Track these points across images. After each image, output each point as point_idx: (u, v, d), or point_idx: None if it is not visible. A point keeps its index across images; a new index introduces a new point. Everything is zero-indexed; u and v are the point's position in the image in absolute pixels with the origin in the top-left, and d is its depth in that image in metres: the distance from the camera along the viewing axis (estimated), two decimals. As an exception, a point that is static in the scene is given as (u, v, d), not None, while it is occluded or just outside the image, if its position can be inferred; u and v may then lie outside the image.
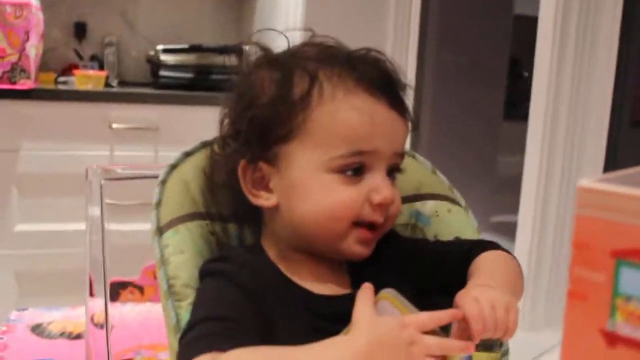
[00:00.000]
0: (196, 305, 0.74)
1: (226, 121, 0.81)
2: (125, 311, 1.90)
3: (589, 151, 1.92)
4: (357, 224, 0.76)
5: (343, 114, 0.74)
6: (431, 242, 0.90)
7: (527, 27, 2.32)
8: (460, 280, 0.78)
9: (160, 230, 0.80)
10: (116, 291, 1.91)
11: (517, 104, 2.95)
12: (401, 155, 0.79)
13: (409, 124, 0.80)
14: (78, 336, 1.89)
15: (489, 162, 2.79)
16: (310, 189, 0.75)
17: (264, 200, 0.79)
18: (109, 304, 1.22)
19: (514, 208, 2.08)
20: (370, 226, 0.77)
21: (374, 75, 0.76)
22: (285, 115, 0.75)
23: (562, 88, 1.89)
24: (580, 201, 0.39)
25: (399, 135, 0.78)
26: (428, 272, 0.84)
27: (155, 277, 2.05)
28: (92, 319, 1.35)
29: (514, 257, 0.83)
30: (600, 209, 0.38)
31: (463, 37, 2.78)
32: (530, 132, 1.94)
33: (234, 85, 0.81)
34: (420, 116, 0.82)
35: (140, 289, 1.97)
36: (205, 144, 0.87)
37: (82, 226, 1.23)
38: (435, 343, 0.64)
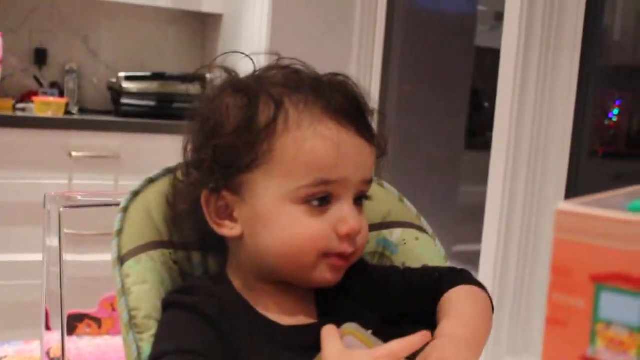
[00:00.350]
0: (160, 338, 0.72)
1: (189, 147, 0.79)
2: (82, 345, 1.84)
3: (550, 180, 1.95)
4: (326, 254, 0.75)
5: (309, 143, 0.72)
6: (400, 271, 0.89)
7: (488, 59, 2.35)
8: (428, 310, 0.77)
9: (121, 260, 0.78)
10: (73, 324, 1.85)
11: (478, 134, 2.99)
12: (369, 182, 0.78)
13: (376, 150, 0.79)
14: (33, 371, 1.82)
15: (451, 192, 2.81)
16: (276, 220, 0.73)
17: (228, 229, 0.77)
18: (66, 338, 1.18)
19: (476, 237, 2.09)
20: (340, 255, 0.75)
21: (341, 102, 0.74)
22: (250, 143, 0.73)
23: (524, 119, 1.92)
24: (559, 225, 0.38)
25: (366, 162, 0.77)
26: (396, 301, 0.83)
27: (113, 309, 2.01)
28: (47, 354, 1.30)
29: (484, 289, 0.82)
30: (580, 233, 0.37)
31: (426, 67, 2.81)
32: (493, 161, 1.96)
33: (198, 110, 0.79)
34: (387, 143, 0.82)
35: (98, 322, 1.92)
36: (169, 171, 0.85)
37: (38, 257, 1.19)
38: None
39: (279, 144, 0.72)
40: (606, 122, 2.69)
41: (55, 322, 1.19)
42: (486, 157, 2.05)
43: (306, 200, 0.73)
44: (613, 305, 0.36)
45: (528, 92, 1.91)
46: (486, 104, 3.12)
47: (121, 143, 2.34)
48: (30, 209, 2.00)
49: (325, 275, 0.76)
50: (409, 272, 0.89)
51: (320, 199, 0.73)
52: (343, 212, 0.74)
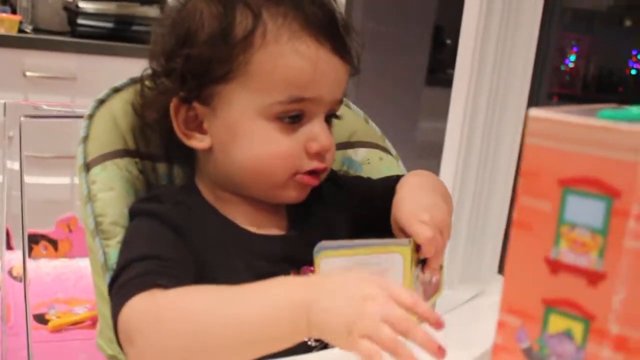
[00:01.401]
0: (126, 246, 0.72)
1: (158, 52, 0.76)
2: (39, 266, 1.83)
3: (509, 120, 1.98)
4: (295, 172, 0.75)
5: (286, 60, 0.71)
6: (365, 178, 0.91)
7: (453, -5, 2.34)
8: (387, 211, 0.77)
9: (87, 166, 0.77)
10: (29, 246, 1.84)
11: (438, 71, 2.99)
12: (340, 101, 0.78)
13: (350, 69, 0.78)
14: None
15: (411, 127, 2.83)
16: (246, 135, 0.73)
17: (196, 141, 0.76)
18: (27, 257, 1.17)
19: (433, 173, 2.12)
20: (310, 172, 0.76)
21: (320, 18, 0.73)
22: (225, 55, 0.71)
23: (486, 57, 1.93)
24: (530, 130, 0.39)
25: (341, 81, 0.76)
26: (363, 202, 0.85)
27: (70, 230, 1.98)
28: (10, 272, 1.30)
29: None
30: (550, 139, 0.39)
31: (389, 4, 2.79)
32: (454, 98, 1.98)
33: (168, 13, 0.77)
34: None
35: (54, 244, 1.91)
36: (134, 81, 0.83)
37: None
38: (400, 317, 0.52)
39: (255, 57, 0.71)
40: (562, 67, 2.72)
41: (16, 242, 1.18)
42: (445, 94, 2.06)
43: (278, 117, 0.72)
44: (578, 208, 0.38)
45: (491, 31, 1.91)
46: (448, 41, 3.12)
47: (77, 64, 2.28)
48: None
49: (292, 193, 0.76)
50: (372, 179, 0.91)
51: (293, 117, 0.73)
52: (314, 130, 0.74)
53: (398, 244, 0.68)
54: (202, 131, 0.76)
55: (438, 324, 0.53)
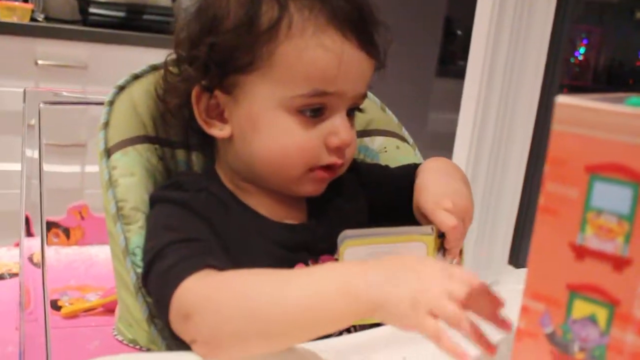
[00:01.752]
0: (155, 232, 0.71)
1: (183, 38, 0.76)
2: (51, 254, 1.84)
3: (521, 111, 1.98)
4: (313, 168, 0.74)
5: (311, 53, 0.70)
6: (383, 165, 0.91)
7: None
8: (406, 197, 0.77)
9: (108, 152, 0.77)
10: (41, 233, 1.85)
11: (449, 62, 2.98)
12: (364, 96, 0.77)
13: (375, 63, 0.76)
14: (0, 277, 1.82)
15: (421, 119, 2.82)
16: (266, 127, 0.73)
17: (217, 130, 0.76)
18: (45, 244, 1.18)
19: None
20: (327, 167, 0.75)
21: (347, 12, 0.71)
22: (249, 44, 0.71)
23: (500, 48, 1.92)
24: (558, 117, 0.40)
25: (365, 76, 0.75)
26: (381, 189, 0.85)
27: (82, 218, 1.99)
28: (30, 259, 1.30)
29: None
30: (577, 125, 0.39)
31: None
32: (466, 89, 1.98)
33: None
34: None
35: (67, 232, 1.92)
36: (154, 68, 0.83)
37: (10, 166, 1.17)
38: (463, 294, 0.51)
39: (279, 49, 0.70)
40: (572, 59, 2.71)
41: (35, 229, 1.19)
42: (456, 85, 2.06)
43: (300, 110, 0.72)
44: (605, 194, 0.38)
45: (505, 22, 1.91)
46: (459, 32, 3.11)
47: (89, 53, 2.28)
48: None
49: (308, 187, 0.76)
50: (390, 167, 0.91)
51: (314, 110, 0.72)
52: (336, 124, 0.73)
53: (421, 233, 0.69)
54: (223, 120, 0.76)
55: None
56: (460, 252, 0.78)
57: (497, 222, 2.01)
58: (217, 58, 0.72)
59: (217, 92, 0.74)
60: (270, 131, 0.73)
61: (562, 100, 0.39)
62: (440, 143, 2.24)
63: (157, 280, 0.66)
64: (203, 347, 0.60)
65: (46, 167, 1.18)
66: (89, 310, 1.55)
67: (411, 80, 2.77)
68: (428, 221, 0.70)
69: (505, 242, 2.00)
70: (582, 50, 2.73)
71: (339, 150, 0.74)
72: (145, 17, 2.42)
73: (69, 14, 2.64)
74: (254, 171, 0.76)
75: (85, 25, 2.45)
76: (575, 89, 2.66)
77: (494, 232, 2.01)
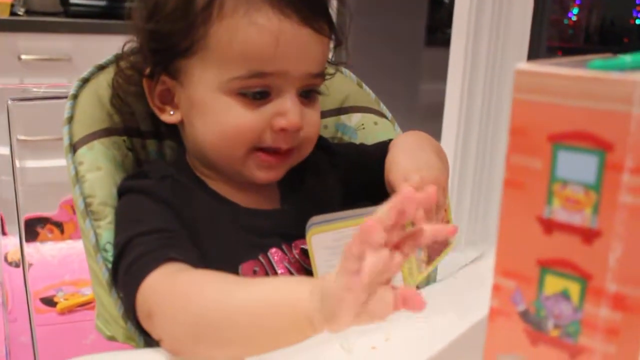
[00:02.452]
0: (122, 223, 0.71)
1: (131, 26, 0.76)
2: (45, 250, 1.83)
3: (509, 78, 1.95)
4: (258, 149, 0.72)
5: (243, 32, 0.68)
6: (357, 144, 0.89)
7: (448, -47, 2.29)
8: (381, 174, 0.74)
9: (73, 147, 0.76)
10: (34, 230, 1.84)
11: (437, 30, 2.95)
12: (316, 75, 0.74)
13: (329, 41, 0.75)
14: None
15: (412, 90, 2.80)
16: (209, 109, 0.71)
17: (168, 115, 0.75)
18: (24, 243, 1.17)
19: (436, 136, 2.10)
20: (272, 151, 0.73)
21: None
22: (186, 28, 0.69)
23: (484, 13, 1.89)
24: (517, 85, 0.37)
25: (313, 54, 0.72)
26: (355, 168, 0.83)
27: (74, 212, 1.98)
28: (5, 258, 1.29)
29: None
30: (538, 93, 0.37)
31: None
32: (452, 58, 1.95)
33: None
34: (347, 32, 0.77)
35: (60, 227, 1.91)
36: (118, 57, 0.82)
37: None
38: (373, 261, 0.47)
39: (212, 31, 0.69)
40: (565, 21, 2.68)
41: (12, 228, 1.17)
42: (446, 54, 2.03)
43: (240, 93, 0.70)
44: (570, 164, 0.36)
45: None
46: (446, 0, 3.07)
47: (72, 45, 2.26)
48: (-20, 114, 1.93)
49: (255, 172, 0.73)
50: (365, 145, 0.89)
51: (257, 93, 0.70)
52: (283, 106, 0.70)
53: None
54: (174, 106, 0.75)
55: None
56: (448, 222, 0.76)
57: (490, 191, 2.00)
58: (157, 44, 0.71)
59: (165, 78, 0.73)
60: (212, 114, 0.71)
61: (521, 67, 0.37)
62: (433, 114, 2.22)
63: (123, 277, 0.65)
64: (168, 347, 0.60)
65: (34, 163, 1.17)
66: (85, 305, 1.54)
67: (400, 51, 2.74)
68: None
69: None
70: (575, 10, 2.70)
71: (285, 133, 0.71)
72: (127, 4, 2.39)
73: (50, 6, 2.61)
74: (206, 156, 0.75)
75: (67, 16, 2.42)
76: (568, 51, 2.63)
77: (487, 201, 2.00)
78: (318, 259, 0.69)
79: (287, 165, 0.76)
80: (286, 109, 0.70)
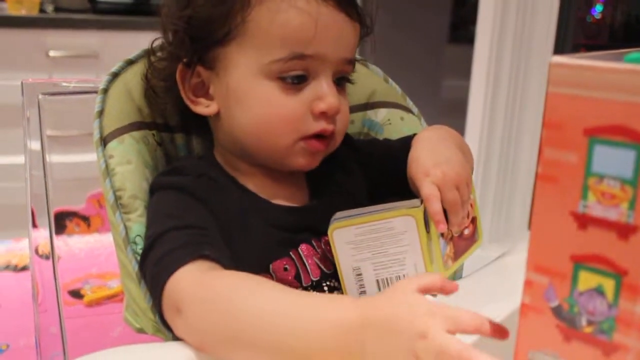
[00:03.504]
0: (156, 218, 0.70)
1: (164, 16, 0.75)
2: (72, 243, 1.86)
3: (534, 74, 1.93)
4: (303, 137, 0.72)
5: (284, 15, 0.68)
6: (381, 140, 0.89)
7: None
8: (405, 170, 0.74)
9: (103, 141, 0.76)
10: (62, 223, 1.87)
11: (461, 27, 2.93)
12: (350, 62, 0.74)
13: (360, 29, 0.74)
14: (24, 268, 1.84)
15: (434, 86, 2.78)
16: (248, 96, 0.71)
17: (203, 107, 0.74)
18: (54, 235, 1.18)
19: (458, 132, 2.09)
20: (319, 136, 0.72)
21: None
22: (223, 14, 0.69)
23: (509, 11, 1.88)
24: (553, 79, 0.37)
25: (347, 39, 0.72)
26: (380, 164, 0.82)
27: (100, 206, 2.01)
28: (36, 250, 1.31)
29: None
30: (574, 86, 0.36)
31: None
32: (477, 54, 1.94)
33: None
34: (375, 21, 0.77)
35: (87, 221, 1.93)
36: (147, 52, 0.82)
37: (20, 159, 1.17)
38: (457, 349, 0.46)
39: (252, 15, 0.68)
40: (588, 18, 2.64)
41: (43, 221, 1.18)
42: (469, 51, 2.01)
43: (280, 77, 0.70)
44: (606, 158, 0.36)
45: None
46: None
47: (100, 41, 2.28)
48: (9, 110, 1.96)
49: (299, 160, 0.73)
50: (389, 140, 0.89)
51: (297, 77, 0.70)
52: (320, 90, 0.70)
53: (409, 206, 0.66)
54: (209, 97, 0.74)
55: (503, 334, 0.49)
56: (474, 218, 0.75)
57: (514, 186, 1.98)
58: (194, 32, 0.71)
59: (200, 69, 0.73)
60: (251, 101, 0.71)
61: (557, 60, 0.37)
62: (455, 110, 2.21)
63: (152, 267, 0.65)
64: (195, 344, 0.59)
65: (61, 158, 1.18)
66: (111, 297, 1.56)
67: (423, 47, 2.73)
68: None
69: (524, 208, 1.97)
70: (599, 8, 2.66)
71: (326, 116, 0.71)
72: (153, 1, 2.41)
73: (78, 2, 2.64)
74: (244, 147, 0.74)
75: (95, 13, 2.45)
76: (592, 48, 2.60)
77: (511, 198, 1.98)
78: (340, 254, 0.69)
79: (325, 153, 0.76)
80: (324, 93, 0.71)
